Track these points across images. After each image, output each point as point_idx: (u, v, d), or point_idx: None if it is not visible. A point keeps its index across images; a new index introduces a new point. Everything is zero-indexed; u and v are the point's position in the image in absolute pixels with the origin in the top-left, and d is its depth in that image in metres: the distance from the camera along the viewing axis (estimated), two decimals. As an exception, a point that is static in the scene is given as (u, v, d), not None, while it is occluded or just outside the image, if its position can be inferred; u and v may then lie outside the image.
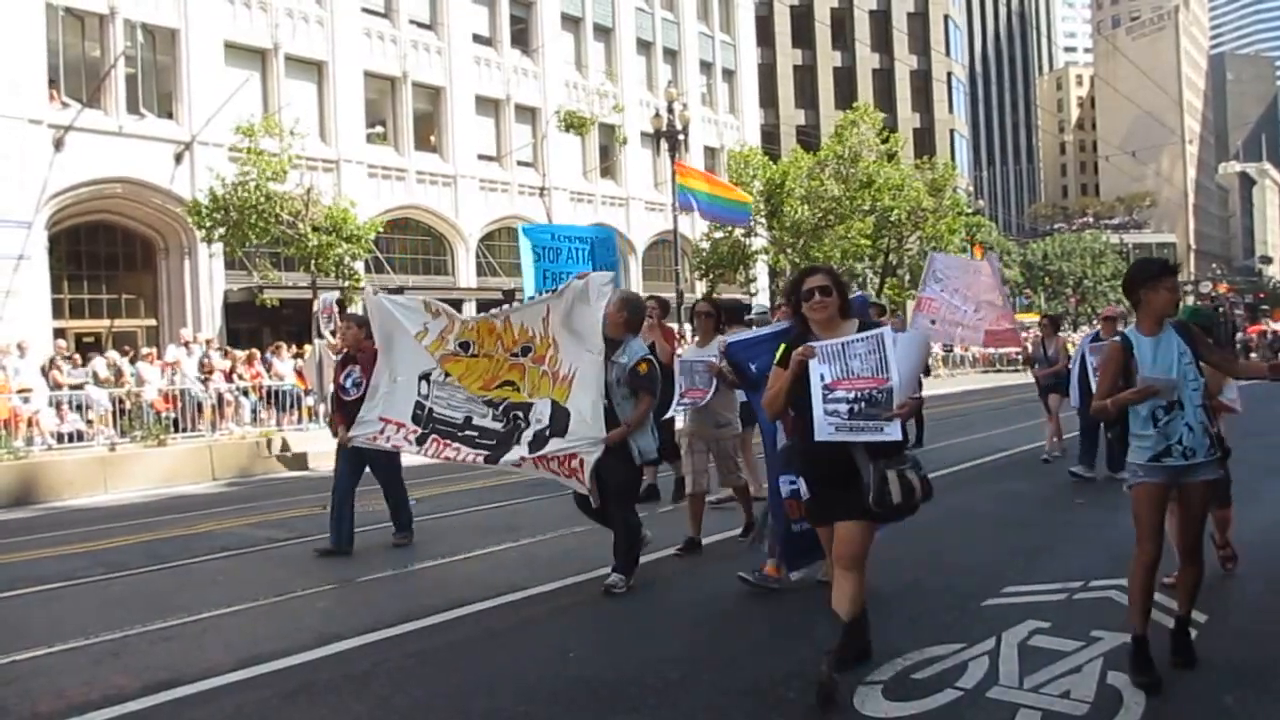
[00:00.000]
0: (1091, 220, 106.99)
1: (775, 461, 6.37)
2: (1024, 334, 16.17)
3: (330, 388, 10.20)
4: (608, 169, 38.28)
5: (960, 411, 21.64)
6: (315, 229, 23.06)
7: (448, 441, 7.26)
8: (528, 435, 6.84)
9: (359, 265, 25.09)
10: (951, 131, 66.80)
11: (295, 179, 23.08)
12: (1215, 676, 4.68)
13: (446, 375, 7.37)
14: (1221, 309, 50.55)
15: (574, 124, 31.00)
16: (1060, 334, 14.23)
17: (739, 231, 36.57)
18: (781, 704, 4.51)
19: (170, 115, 25.99)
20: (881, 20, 64.70)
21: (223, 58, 26.77)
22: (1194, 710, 4.35)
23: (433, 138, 32.94)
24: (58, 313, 24.19)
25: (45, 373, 18.55)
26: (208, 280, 26.29)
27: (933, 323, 12.26)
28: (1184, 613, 4.90)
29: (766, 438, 6.53)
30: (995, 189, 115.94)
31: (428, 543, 8.90)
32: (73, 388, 18.14)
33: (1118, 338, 4.85)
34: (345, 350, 9.02)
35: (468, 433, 7.21)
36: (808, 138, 52.86)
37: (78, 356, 20.15)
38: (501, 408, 7.06)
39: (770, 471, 6.50)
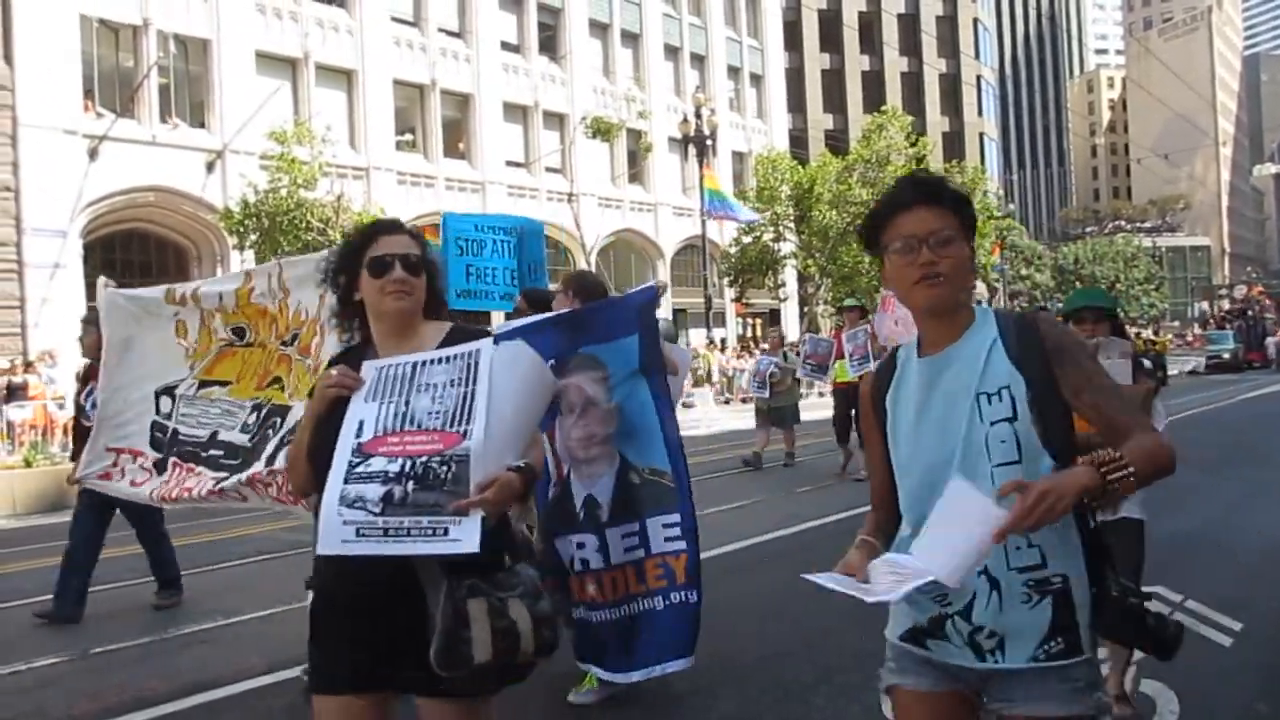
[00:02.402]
0: (1124, 224, 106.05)
1: (551, 515, 4.33)
2: None
3: None
4: (636, 174, 38.34)
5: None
6: (345, 236, 23.27)
7: (190, 466, 5.54)
8: (270, 448, 5.15)
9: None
10: (981, 135, 66.45)
11: (326, 186, 23.30)
12: (1249, 684, 4.62)
13: (202, 386, 5.63)
14: (1251, 312, 49.72)
15: (601, 130, 31.09)
16: None
17: (767, 236, 36.58)
18: (811, 708, 4.50)
19: (202, 124, 26.28)
20: (910, 24, 64.49)
21: (254, 67, 27.06)
22: (1228, 717, 4.30)
23: (461, 144, 33.11)
24: (93, 320, 24.45)
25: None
26: (239, 287, 26.51)
27: (895, 323, 12.08)
28: None
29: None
30: (1026, 193, 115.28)
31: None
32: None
33: (873, 365, 2.61)
34: (88, 361, 7.21)
35: (212, 452, 5.54)
36: (836, 142, 52.67)
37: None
38: (264, 412, 5.41)
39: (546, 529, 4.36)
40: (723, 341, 34.63)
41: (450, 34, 32.71)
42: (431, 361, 2.54)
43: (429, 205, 31.32)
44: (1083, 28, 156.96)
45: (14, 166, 22.52)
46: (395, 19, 31.07)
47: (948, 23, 66.05)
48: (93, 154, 23.50)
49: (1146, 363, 3.85)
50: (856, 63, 64.18)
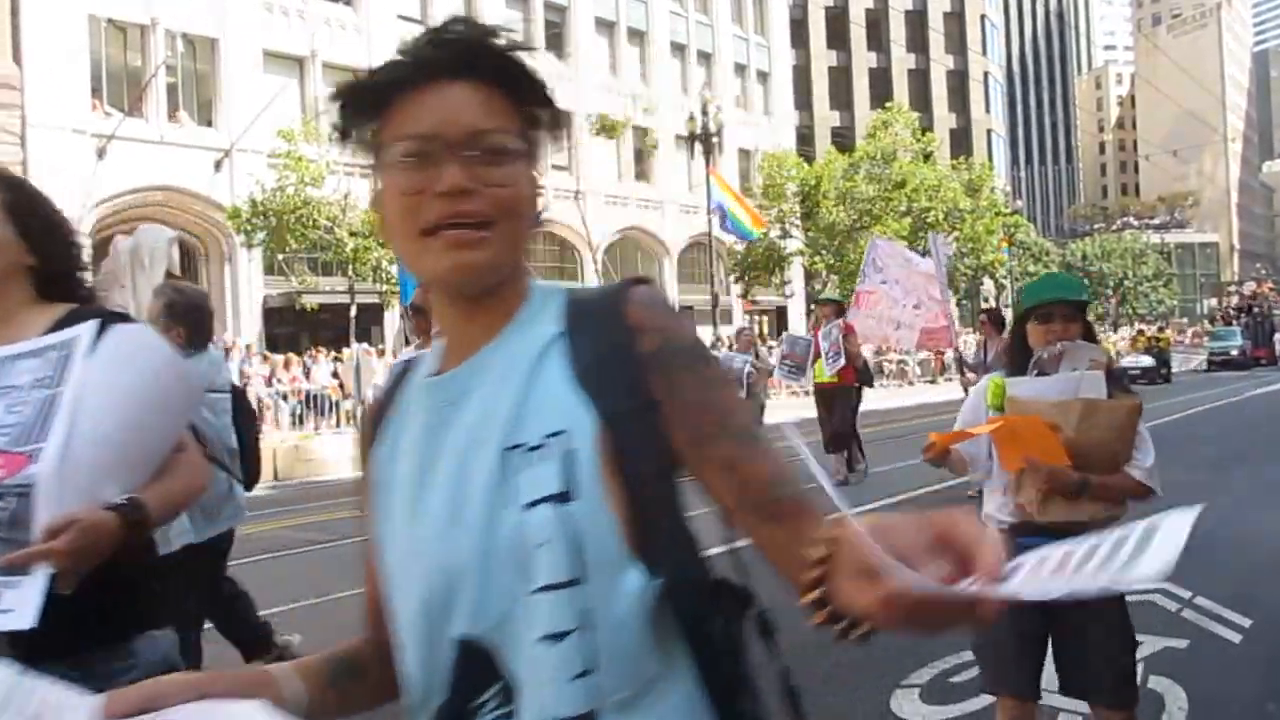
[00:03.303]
0: (1132, 221, 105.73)
1: None
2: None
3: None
4: (642, 172, 38.29)
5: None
6: (352, 234, 23.31)
7: None
8: None
9: (395, 269, 25.29)
10: (989, 132, 66.29)
11: (333, 184, 23.35)
12: (1258, 681, 4.61)
13: None
14: (1258, 308, 49.47)
15: (606, 127, 31.08)
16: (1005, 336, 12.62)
17: (774, 233, 36.54)
18: (816, 710, 4.51)
19: (210, 123, 26.35)
20: (917, 20, 64.33)
21: (261, 66, 27.12)
22: (1236, 716, 4.29)
23: (468, 142, 33.10)
24: (101, 318, 24.52)
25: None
26: (247, 285, 26.62)
27: (873, 320, 11.80)
28: None
29: None
30: (1034, 189, 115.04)
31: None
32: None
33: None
34: None
35: None
36: (843, 139, 52.66)
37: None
38: None
39: None
40: (729, 339, 34.57)
41: (457, 32, 32.70)
42: (19, 356, 1.77)
43: (436, 203, 31.40)
44: (1091, 24, 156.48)
45: (22, 166, 22.57)
46: (401, 17, 31.07)
47: (955, 19, 65.89)
48: (101, 153, 23.56)
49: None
50: (864, 59, 64.07)
